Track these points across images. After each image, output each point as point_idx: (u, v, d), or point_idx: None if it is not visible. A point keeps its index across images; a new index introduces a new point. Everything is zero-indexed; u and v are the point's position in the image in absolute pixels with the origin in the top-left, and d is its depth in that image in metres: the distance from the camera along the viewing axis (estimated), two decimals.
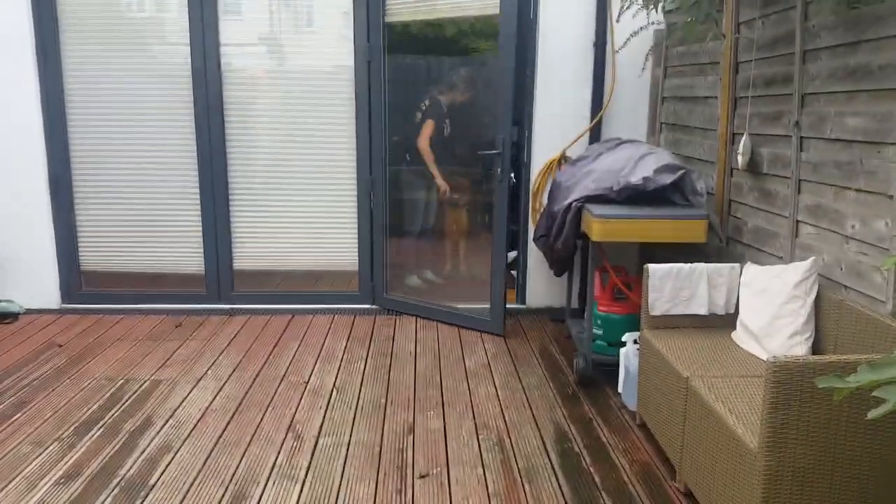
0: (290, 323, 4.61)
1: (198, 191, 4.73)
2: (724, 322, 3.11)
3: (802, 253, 2.85)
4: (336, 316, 4.73)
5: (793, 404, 2.02)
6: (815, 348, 2.66)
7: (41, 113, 4.56)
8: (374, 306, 4.85)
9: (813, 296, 2.64)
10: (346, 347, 4.18)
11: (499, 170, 4.21)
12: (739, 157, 3.22)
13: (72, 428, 3.16)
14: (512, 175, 6.99)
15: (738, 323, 2.97)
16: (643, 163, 3.57)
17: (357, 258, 4.84)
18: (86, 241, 4.82)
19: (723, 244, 3.53)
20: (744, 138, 3.21)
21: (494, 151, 4.20)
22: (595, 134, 4.54)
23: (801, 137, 2.85)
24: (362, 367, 3.89)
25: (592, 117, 4.53)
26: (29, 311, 4.74)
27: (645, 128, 4.58)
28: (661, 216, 3.40)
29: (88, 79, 4.61)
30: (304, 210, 4.83)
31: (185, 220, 4.79)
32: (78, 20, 4.54)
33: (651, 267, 3.07)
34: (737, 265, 3.10)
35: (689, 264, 3.09)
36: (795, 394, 2.01)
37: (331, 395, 3.54)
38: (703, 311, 3.09)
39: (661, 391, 2.85)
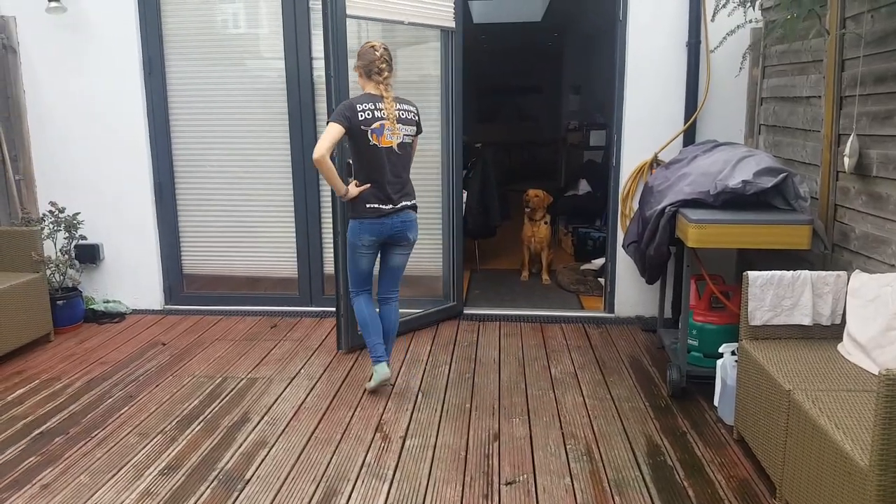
0: None
1: (292, 198, 4.90)
2: (828, 333, 2.93)
3: None
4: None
5: None
6: None
7: (146, 125, 4.85)
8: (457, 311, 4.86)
9: None
10: (430, 352, 4.21)
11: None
12: (846, 160, 3.04)
13: (174, 422, 3.33)
14: (585, 181, 6.80)
15: (844, 334, 2.79)
16: (742, 166, 3.42)
17: (441, 263, 4.87)
18: (188, 245, 5.09)
19: (827, 251, 3.34)
20: (851, 139, 3.02)
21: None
22: (689, 136, 4.40)
23: None
24: (447, 371, 3.91)
25: (686, 119, 4.40)
26: (135, 312, 5.04)
27: (742, 130, 4.40)
28: (762, 221, 3.24)
29: (190, 92, 4.87)
30: None
31: (279, 225, 4.97)
32: (181, 38, 4.81)
33: (751, 274, 2.94)
34: (843, 273, 2.92)
35: (791, 272, 2.93)
36: None
37: (416, 397, 3.57)
38: (806, 321, 2.93)
39: (761, 405, 2.71)
